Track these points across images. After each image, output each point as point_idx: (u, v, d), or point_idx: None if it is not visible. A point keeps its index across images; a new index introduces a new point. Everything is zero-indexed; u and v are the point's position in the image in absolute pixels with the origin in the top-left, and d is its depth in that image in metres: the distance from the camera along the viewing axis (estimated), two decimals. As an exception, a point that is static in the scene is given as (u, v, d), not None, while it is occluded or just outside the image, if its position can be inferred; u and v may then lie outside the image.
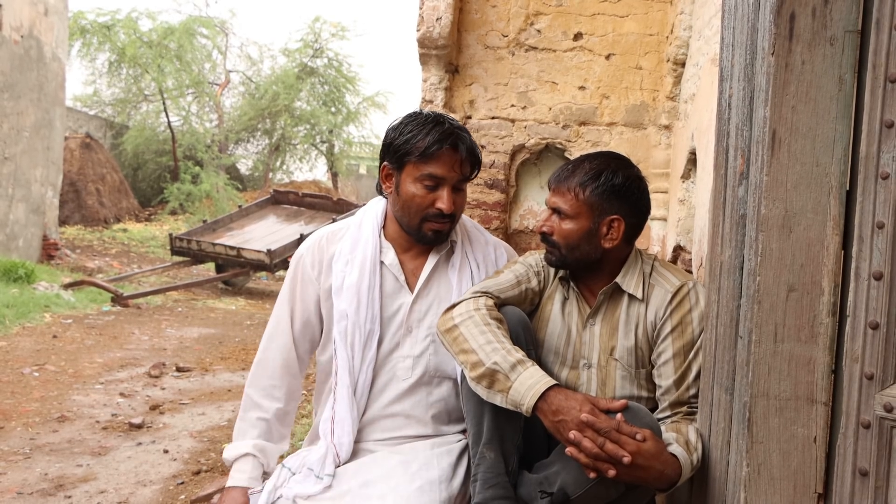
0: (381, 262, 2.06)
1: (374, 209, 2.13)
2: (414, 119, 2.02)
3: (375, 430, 2.02)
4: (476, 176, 2.08)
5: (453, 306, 1.87)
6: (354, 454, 1.98)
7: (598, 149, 3.22)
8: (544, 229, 1.93)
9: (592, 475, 1.58)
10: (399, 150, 1.99)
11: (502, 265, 2.14)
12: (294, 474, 1.96)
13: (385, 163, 2.05)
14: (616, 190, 1.87)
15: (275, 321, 2.13)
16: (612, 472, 1.56)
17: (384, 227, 2.11)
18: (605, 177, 1.87)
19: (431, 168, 1.96)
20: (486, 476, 1.76)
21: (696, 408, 1.79)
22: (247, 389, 2.12)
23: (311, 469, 1.93)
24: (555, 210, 1.92)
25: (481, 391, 1.72)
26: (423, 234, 2.01)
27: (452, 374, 2.02)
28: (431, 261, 2.07)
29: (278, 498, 1.92)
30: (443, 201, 1.96)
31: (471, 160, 2.01)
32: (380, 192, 2.12)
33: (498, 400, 1.69)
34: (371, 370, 2.01)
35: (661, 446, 1.62)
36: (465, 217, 2.20)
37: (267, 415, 2.08)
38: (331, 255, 2.09)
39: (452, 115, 2.16)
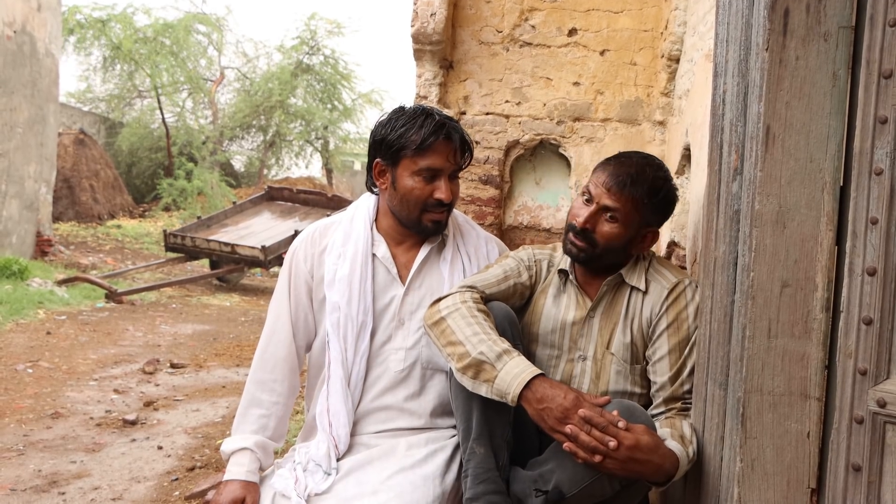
0: (374, 255, 2.07)
1: (366, 204, 2.15)
2: (402, 114, 2.02)
3: (370, 422, 2.02)
4: (468, 164, 2.10)
5: (439, 300, 1.87)
6: (350, 448, 1.99)
7: (593, 145, 3.22)
8: (588, 225, 1.87)
9: (581, 459, 1.58)
10: (393, 145, 1.99)
11: (493, 259, 2.14)
12: (297, 467, 1.95)
13: (378, 159, 2.05)
14: (664, 205, 1.91)
15: (273, 316, 2.13)
16: (597, 458, 1.56)
17: (376, 221, 2.12)
18: (664, 193, 1.89)
19: (428, 161, 1.97)
20: (477, 471, 1.76)
21: (690, 404, 1.79)
22: (247, 385, 2.12)
23: (318, 464, 1.93)
24: (605, 209, 1.87)
25: (467, 382, 1.72)
26: (424, 226, 2.03)
27: (445, 367, 2.02)
28: (422, 253, 2.08)
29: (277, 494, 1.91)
30: (441, 191, 1.99)
31: (463, 149, 2.04)
32: (370, 189, 2.13)
33: (483, 390, 1.70)
34: (364, 362, 2.02)
35: (658, 440, 1.63)
36: (456, 211, 2.21)
37: (266, 410, 2.08)
38: (322, 248, 2.10)
39: (439, 108, 2.16)
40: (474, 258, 2.12)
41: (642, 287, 1.91)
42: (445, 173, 2.00)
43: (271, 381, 2.09)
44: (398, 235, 2.09)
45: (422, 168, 1.97)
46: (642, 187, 1.85)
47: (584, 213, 1.89)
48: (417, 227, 2.04)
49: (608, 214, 1.86)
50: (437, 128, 1.98)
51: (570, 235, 1.91)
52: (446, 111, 3.23)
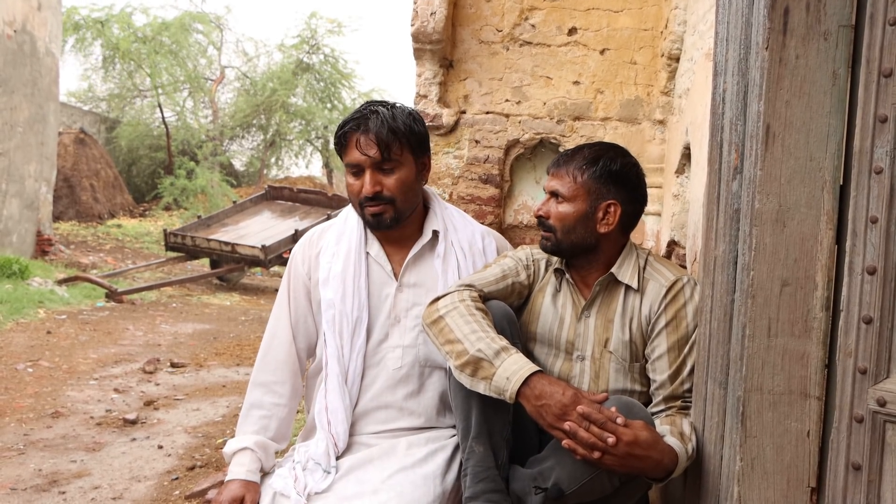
0: (367, 254, 2.08)
1: None
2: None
3: (369, 422, 2.02)
4: (395, 154, 1.97)
5: (438, 299, 1.87)
6: (349, 447, 1.99)
7: (593, 144, 3.22)
8: (541, 213, 1.95)
9: (580, 455, 1.59)
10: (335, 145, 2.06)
11: (490, 253, 2.15)
12: (296, 466, 1.95)
13: None
14: (613, 175, 1.89)
15: (274, 319, 2.14)
16: (596, 454, 1.57)
17: None
18: (603, 162, 1.90)
19: (348, 157, 2.01)
20: (476, 470, 1.76)
21: (690, 402, 1.79)
22: (249, 387, 2.13)
23: (318, 463, 1.93)
24: (553, 194, 1.94)
25: (465, 379, 1.72)
26: (368, 221, 2.05)
27: (443, 364, 2.02)
28: (413, 250, 2.08)
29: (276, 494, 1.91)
30: (364, 185, 1.99)
31: (385, 140, 1.94)
32: None
33: (481, 388, 1.69)
34: (361, 359, 2.02)
35: (656, 436, 1.63)
36: (451, 206, 2.22)
37: (267, 411, 2.08)
38: (318, 250, 2.12)
39: (386, 100, 2.10)
40: (469, 253, 2.11)
41: (635, 285, 1.91)
42: (367, 166, 1.98)
43: (272, 382, 2.10)
44: (390, 233, 2.10)
45: (347, 164, 2.02)
46: (578, 161, 1.92)
47: (539, 203, 2.00)
48: (366, 222, 2.06)
49: (557, 197, 1.93)
50: (347, 122, 2.00)
51: (540, 229, 1.99)
52: (446, 110, 3.23)
